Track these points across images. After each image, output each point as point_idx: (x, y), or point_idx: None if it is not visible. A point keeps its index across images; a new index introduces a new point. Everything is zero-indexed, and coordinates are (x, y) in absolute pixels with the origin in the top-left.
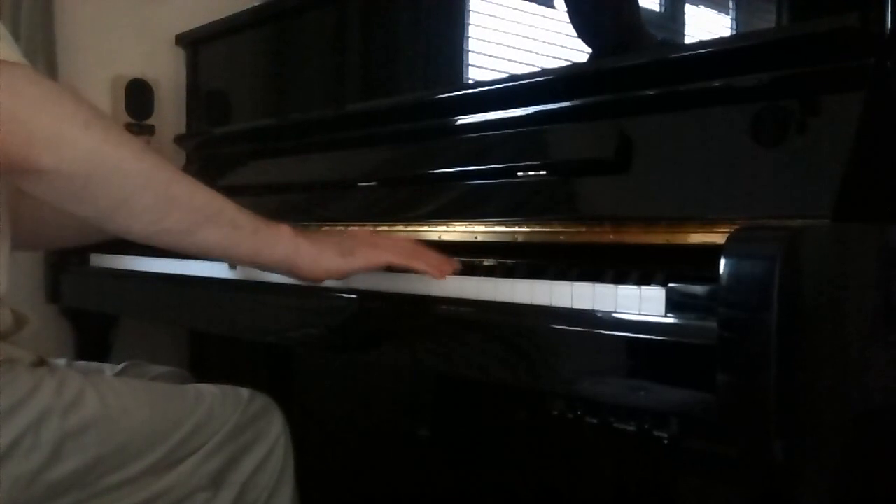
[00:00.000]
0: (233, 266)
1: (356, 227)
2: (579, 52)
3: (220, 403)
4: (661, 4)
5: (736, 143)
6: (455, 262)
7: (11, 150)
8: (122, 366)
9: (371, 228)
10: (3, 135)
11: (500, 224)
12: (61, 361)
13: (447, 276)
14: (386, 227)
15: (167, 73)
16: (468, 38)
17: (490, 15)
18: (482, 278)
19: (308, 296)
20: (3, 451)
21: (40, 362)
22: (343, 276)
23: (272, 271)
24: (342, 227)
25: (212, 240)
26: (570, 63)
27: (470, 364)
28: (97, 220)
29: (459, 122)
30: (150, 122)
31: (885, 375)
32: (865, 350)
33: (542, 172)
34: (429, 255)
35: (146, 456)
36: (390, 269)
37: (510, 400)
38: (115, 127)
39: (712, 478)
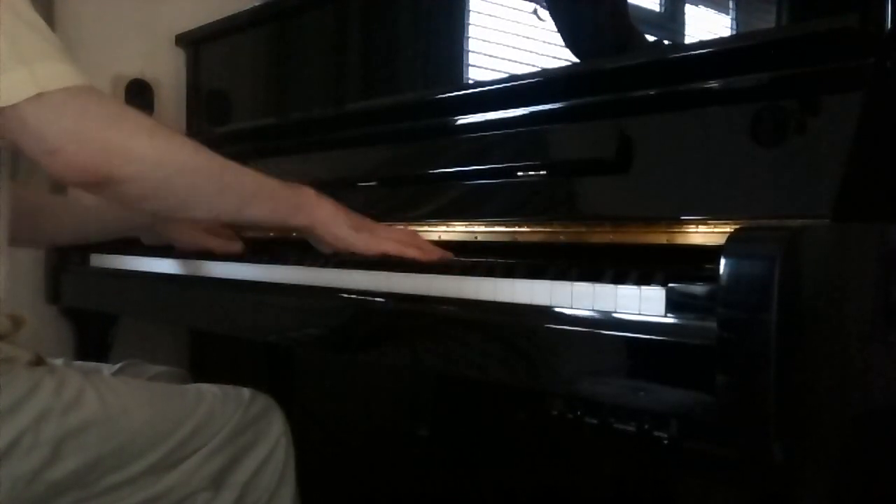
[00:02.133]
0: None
1: None
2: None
3: (220, 403)
4: (661, 4)
5: (736, 143)
6: (447, 253)
7: (95, 166)
8: (119, 365)
9: None
10: (84, 153)
11: (500, 224)
12: (58, 361)
13: (434, 265)
14: None
15: (167, 72)
16: (468, 38)
17: (490, 15)
18: (482, 278)
19: (308, 296)
20: (2, 450)
21: (38, 361)
22: (346, 247)
23: (299, 231)
24: None
25: (256, 213)
26: (570, 63)
27: (470, 364)
28: (165, 213)
29: (459, 122)
30: None
31: (885, 376)
32: (865, 350)
33: (541, 172)
34: (422, 246)
35: (146, 456)
36: (385, 256)
37: (510, 400)
38: (172, 132)
39: (712, 478)
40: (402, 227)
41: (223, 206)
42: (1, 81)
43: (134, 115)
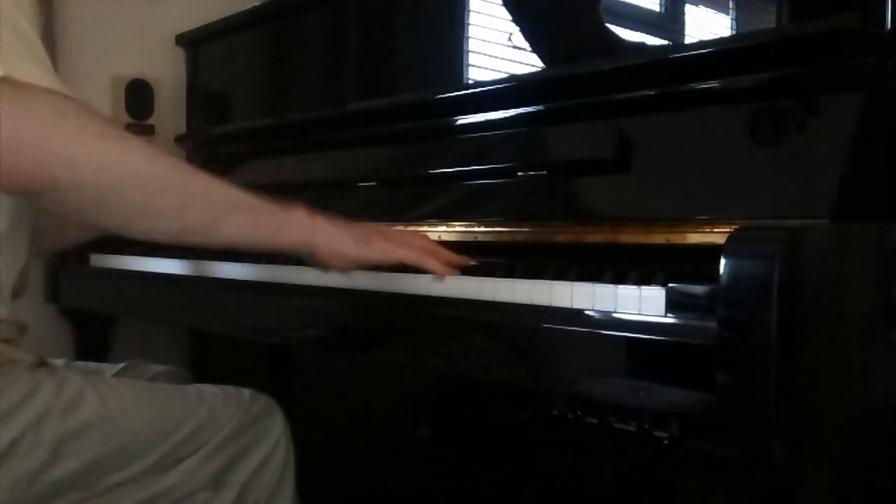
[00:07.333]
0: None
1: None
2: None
3: (221, 404)
4: (661, 4)
5: (735, 143)
6: (466, 259)
7: (29, 171)
8: (120, 366)
9: None
10: (21, 158)
11: (500, 224)
12: (59, 362)
13: (447, 276)
14: None
15: (167, 73)
16: (468, 38)
17: (490, 15)
18: (482, 278)
19: (309, 296)
20: (3, 450)
21: (40, 363)
22: (356, 264)
23: (293, 252)
24: None
25: (234, 230)
26: (569, 63)
27: (470, 364)
28: (120, 228)
29: (459, 122)
30: (150, 122)
31: (884, 376)
32: (865, 350)
33: (542, 172)
34: (440, 253)
35: (147, 456)
36: (402, 265)
37: (511, 400)
38: (127, 135)
39: (713, 478)
40: (406, 228)
41: (189, 222)
42: None
43: (85, 115)
